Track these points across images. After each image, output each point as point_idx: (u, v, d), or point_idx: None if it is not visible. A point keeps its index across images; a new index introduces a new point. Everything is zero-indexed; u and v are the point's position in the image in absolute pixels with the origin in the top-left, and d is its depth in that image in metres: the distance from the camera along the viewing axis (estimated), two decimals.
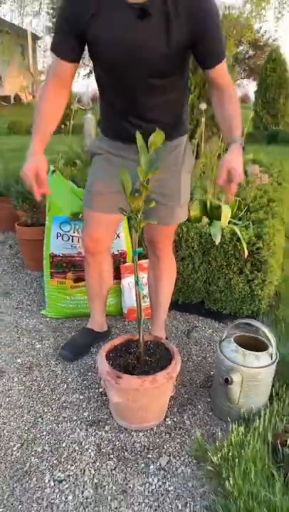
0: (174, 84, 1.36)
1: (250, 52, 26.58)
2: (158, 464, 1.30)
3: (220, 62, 1.31)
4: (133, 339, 1.53)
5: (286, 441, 1.28)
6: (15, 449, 1.35)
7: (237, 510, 1.09)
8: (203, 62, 1.32)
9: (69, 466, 1.28)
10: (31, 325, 2.05)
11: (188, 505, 1.17)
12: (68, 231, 1.96)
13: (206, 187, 2.29)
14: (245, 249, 1.90)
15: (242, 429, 1.34)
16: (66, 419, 1.47)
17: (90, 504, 1.17)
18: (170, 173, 1.47)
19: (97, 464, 1.29)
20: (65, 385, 1.63)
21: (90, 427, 1.43)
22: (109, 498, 1.19)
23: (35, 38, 21.94)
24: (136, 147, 1.20)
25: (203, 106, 2.27)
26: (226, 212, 2.10)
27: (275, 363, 1.43)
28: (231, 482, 1.16)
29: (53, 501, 1.17)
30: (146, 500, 1.18)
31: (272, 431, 1.32)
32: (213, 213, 2.21)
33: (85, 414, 1.49)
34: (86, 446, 1.35)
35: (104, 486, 1.22)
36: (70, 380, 1.66)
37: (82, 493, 1.20)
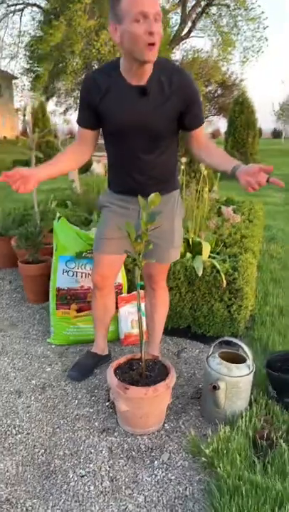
0: (169, 145, 1.69)
1: (219, 92, 28.25)
2: (161, 460, 1.57)
3: (202, 123, 1.69)
4: (134, 358, 1.82)
5: (263, 435, 1.59)
6: (40, 454, 1.60)
7: (227, 488, 1.38)
8: (190, 125, 1.66)
9: (88, 465, 1.54)
10: (39, 351, 2.30)
11: (187, 489, 1.45)
12: (73, 267, 2.27)
13: (188, 227, 2.67)
14: (224, 279, 2.25)
15: (228, 428, 1.64)
16: (80, 428, 1.73)
17: (108, 492, 1.43)
18: (166, 220, 1.73)
19: (111, 462, 1.56)
20: (76, 401, 1.90)
21: (101, 434, 1.70)
22: (123, 487, 1.45)
23: (13, 78, 22.77)
24: (137, 199, 1.52)
25: (183, 159, 2.68)
26: (206, 248, 2.46)
27: (253, 373, 1.75)
28: (222, 468, 1.45)
29: (78, 491, 1.43)
30: (154, 488, 1.45)
31: (252, 428, 1.63)
32: (195, 249, 2.57)
33: (96, 423, 1.76)
34: (100, 449, 1.62)
35: (119, 478, 1.49)
36: (80, 396, 1.93)
37: (102, 483, 1.46)
